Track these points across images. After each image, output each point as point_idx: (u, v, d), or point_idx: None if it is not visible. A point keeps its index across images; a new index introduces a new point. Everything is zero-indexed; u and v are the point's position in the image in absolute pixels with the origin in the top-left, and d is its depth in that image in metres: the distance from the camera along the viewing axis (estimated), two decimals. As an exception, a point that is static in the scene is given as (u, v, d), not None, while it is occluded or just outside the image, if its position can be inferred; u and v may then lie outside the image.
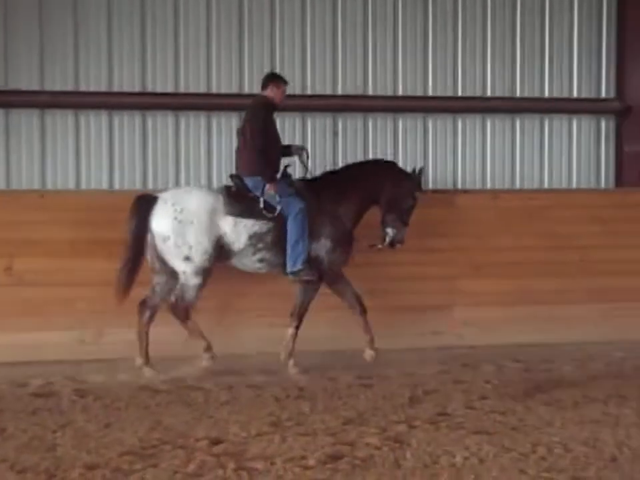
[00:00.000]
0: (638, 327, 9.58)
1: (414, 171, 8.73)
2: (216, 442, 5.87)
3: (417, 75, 10.48)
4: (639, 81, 10.32)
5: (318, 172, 9.04)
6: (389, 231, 8.57)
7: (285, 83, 8.50)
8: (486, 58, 10.57)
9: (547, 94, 10.63)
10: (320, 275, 8.41)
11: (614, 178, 10.69)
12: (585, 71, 10.65)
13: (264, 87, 8.46)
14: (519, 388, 7.47)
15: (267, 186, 8.15)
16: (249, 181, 8.27)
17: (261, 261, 8.35)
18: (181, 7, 10.12)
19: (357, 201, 8.54)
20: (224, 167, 10.11)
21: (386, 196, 8.57)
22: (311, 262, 8.37)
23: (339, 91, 10.41)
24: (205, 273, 8.16)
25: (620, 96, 10.61)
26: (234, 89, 10.18)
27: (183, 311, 8.13)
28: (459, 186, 10.48)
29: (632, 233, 9.72)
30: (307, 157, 8.69)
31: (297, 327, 8.43)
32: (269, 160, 8.29)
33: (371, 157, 10.30)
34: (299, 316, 8.44)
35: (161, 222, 8.11)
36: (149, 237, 8.16)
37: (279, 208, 8.16)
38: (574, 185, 10.69)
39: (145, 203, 8.18)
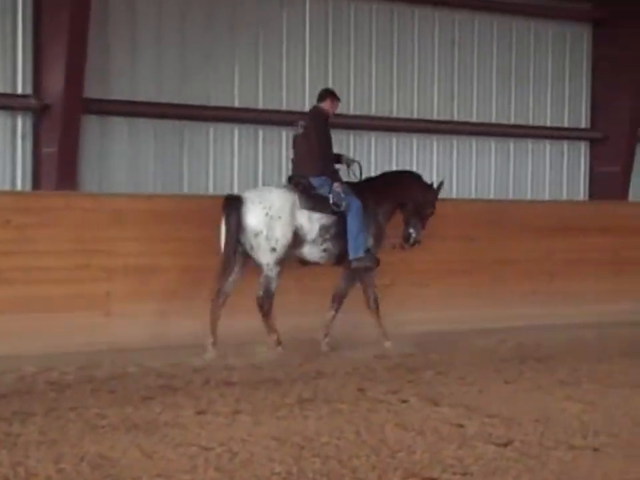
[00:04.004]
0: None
1: (439, 184, 11.02)
2: None
3: None
4: (56, 78, 10.52)
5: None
6: (412, 232, 10.71)
7: (339, 99, 10.72)
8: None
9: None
10: (377, 262, 10.48)
11: (31, 179, 10.84)
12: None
13: (321, 99, 10.56)
14: None
15: (335, 184, 10.20)
16: (314, 181, 10.26)
17: (325, 250, 10.31)
18: None
19: (392, 204, 10.75)
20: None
21: (414, 202, 10.76)
22: None
23: None
24: (282, 262, 10.00)
25: (37, 93, 10.80)
26: None
27: (269, 305, 9.92)
28: None
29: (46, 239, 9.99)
30: (360, 169, 10.75)
31: (337, 310, 10.56)
32: (330, 162, 10.45)
33: None
34: (340, 300, 10.57)
35: (254, 219, 9.87)
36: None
37: (344, 204, 10.12)
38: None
39: (234, 203, 9.92)
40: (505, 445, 6.66)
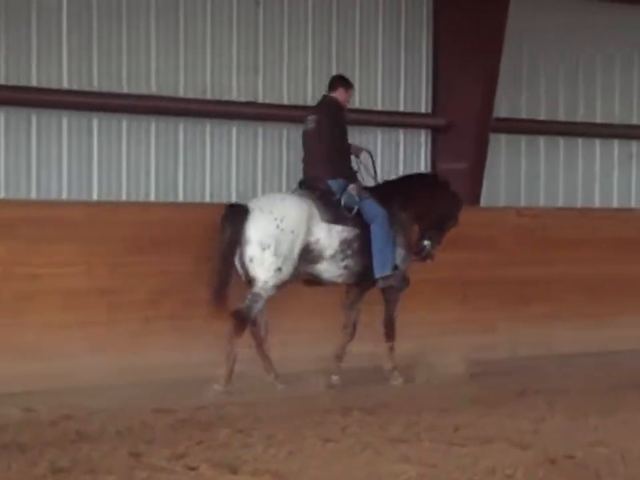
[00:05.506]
0: None
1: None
2: None
3: None
4: None
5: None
6: (427, 244, 11.83)
7: (352, 86, 11.73)
8: None
9: None
10: (408, 281, 11.62)
11: None
12: None
13: (333, 88, 11.56)
14: None
15: (351, 186, 11.22)
16: (332, 184, 11.24)
17: (345, 267, 11.25)
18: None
19: (417, 212, 11.79)
20: None
21: (436, 212, 11.85)
22: None
23: None
24: (282, 286, 10.93)
25: None
26: None
27: (243, 323, 10.77)
28: None
29: None
30: (372, 158, 12.07)
31: (393, 343, 11.86)
32: (349, 161, 11.50)
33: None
34: (392, 333, 11.84)
35: (261, 231, 10.74)
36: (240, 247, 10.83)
37: (356, 207, 11.10)
38: None
39: (238, 213, 10.79)
40: (322, 522, 6.74)
